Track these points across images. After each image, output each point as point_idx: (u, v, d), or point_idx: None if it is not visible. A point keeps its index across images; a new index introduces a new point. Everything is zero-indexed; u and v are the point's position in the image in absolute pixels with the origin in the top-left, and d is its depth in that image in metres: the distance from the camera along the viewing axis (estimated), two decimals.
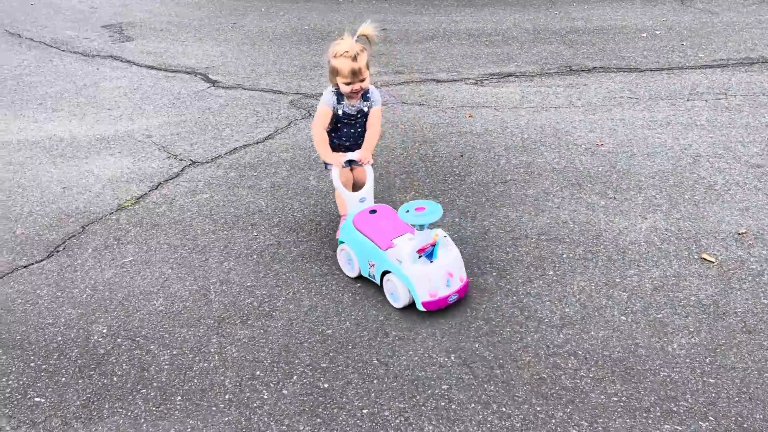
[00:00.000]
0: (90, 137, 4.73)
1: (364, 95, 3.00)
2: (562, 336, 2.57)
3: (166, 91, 5.60)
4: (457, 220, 3.39)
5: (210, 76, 5.91)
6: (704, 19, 6.63)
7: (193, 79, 5.89)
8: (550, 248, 3.11)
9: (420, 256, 2.59)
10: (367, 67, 2.87)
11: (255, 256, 3.20)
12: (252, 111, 5.05)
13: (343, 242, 2.95)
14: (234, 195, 3.78)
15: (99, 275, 3.12)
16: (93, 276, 3.11)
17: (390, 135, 4.46)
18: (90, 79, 5.96)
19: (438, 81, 5.46)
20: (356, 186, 3.22)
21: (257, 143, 4.47)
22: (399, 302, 2.69)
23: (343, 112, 3.01)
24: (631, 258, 3.04)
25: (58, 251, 3.33)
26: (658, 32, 6.27)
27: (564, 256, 3.05)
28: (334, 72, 2.88)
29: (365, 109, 3.02)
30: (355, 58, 2.80)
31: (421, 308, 2.60)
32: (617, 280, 2.89)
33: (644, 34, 6.21)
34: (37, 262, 3.26)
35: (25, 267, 3.22)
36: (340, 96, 2.97)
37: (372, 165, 3.00)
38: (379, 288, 2.84)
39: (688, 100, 4.79)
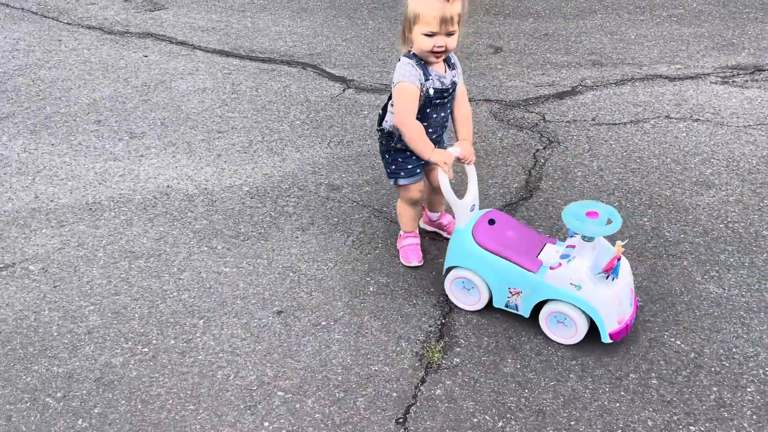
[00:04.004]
0: (236, 190, 2.93)
1: (448, 61, 2.22)
2: None
3: (284, 96, 3.78)
4: None
5: (328, 70, 4.11)
6: None
7: (306, 74, 4.07)
8: None
9: (608, 276, 2.02)
10: (460, 23, 2.09)
11: None
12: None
13: (455, 266, 2.24)
14: None
15: None
16: None
17: (718, 180, 2.97)
18: (148, 75, 4.00)
19: (668, 78, 3.96)
20: (432, 198, 2.55)
21: (521, 202, 2.85)
22: (576, 336, 2.10)
23: (435, 90, 2.16)
24: None
25: None
26: None
27: None
28: (412, 21, 2.07)
29: (456, 80, 2.23)
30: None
31: (607, 340, 2.05)
32: None
33: None
34: None
35: None
36: (424, 68, 2.14)
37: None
38: None
39: None
